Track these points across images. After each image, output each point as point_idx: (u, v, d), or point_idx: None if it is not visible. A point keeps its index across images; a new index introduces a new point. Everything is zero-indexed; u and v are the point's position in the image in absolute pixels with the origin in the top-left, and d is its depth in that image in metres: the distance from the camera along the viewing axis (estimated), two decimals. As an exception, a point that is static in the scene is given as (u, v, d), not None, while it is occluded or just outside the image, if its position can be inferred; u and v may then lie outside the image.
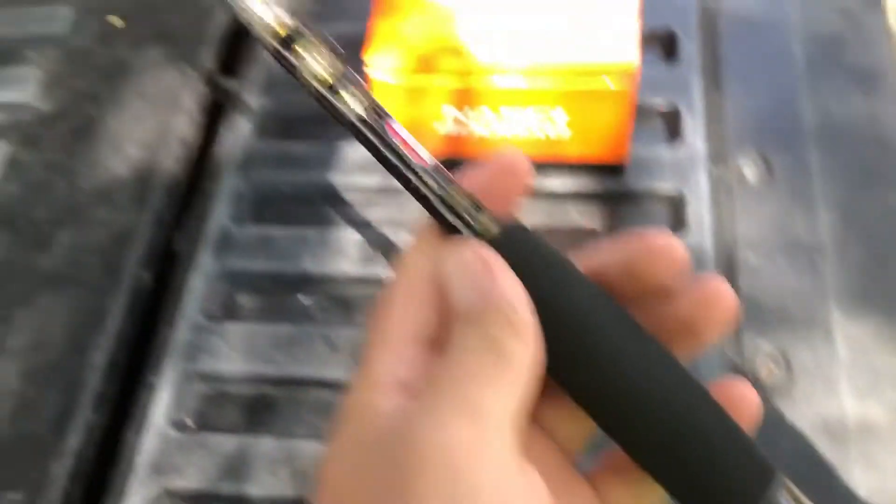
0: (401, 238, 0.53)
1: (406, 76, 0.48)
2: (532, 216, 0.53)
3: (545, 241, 0.26)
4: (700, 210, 0.52)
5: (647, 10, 0.54)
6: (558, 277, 0.25)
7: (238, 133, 0.60)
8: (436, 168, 0.26)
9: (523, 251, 0.25)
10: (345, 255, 0.53)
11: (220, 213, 0.56)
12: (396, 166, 0.26)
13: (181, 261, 0.56)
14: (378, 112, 0.26)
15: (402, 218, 0.55)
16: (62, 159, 0.61)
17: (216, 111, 0.64)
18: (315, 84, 0.26)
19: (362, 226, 0.55)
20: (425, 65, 0.48)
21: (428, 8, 0.49)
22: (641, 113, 0.56)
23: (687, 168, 0.53)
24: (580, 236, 0.52)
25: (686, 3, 0.61)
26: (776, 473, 0.25)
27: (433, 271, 0.25)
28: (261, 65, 0.64)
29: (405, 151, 0.26)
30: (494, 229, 0.25)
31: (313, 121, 0.60)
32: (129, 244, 0.56)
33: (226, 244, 0.55)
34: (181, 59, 0.65)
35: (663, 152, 0.54)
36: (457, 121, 0.50)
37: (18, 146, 0.62)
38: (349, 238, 0.54)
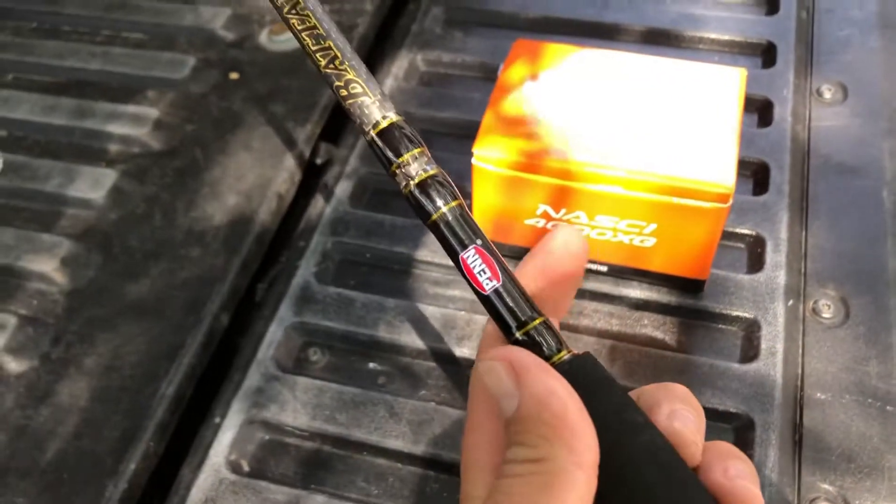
0: (474, 319, 0.55)
1: (507, 170, 0.50)
2: (606, 321, 0.54)
3: (611, 376, 0.26)
4: (773, 340, 0.52)
5: (743, 138, 0.56)
6: (621, 416, 0.24)
7: (332, 196, 0.63)
8: (508, 288, 0.27)
9: (590, 382, 0.25)
10: (418, 327, 0.55)
11: (304, 270, 0.58)
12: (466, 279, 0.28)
13: (261, 309, 0.57)
14: (462, 223, 0.28)
15: (476, 301, 0.56)
16: (164, 195, 0.65)
17: (314, 172, 0.67)
18: (407, 182, 0.29)
19: (439, 302, 0.56)
20: (528, 162, 0.50)
21: (538, 108, 0.52)
22: (727, 236, 0.57)
23: (765, 297, 0.54)
24: (652, 346, 0.53)
25: (780, 138, 0.63)
26: None
27: (497, 390, 0.25)
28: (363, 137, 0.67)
29: (479, 273, 0.28)
30: (565, 356, 0.26)
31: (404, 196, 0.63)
32: (214, 285, 0.58)
33: (306, 300, 0.56)
34: (289, 118, 0.69)
35: (743, 278, 0.55)
36: (549, 217, 0.52)
37: (125, 177, 0.66)
38: (424, 312, 0.55)
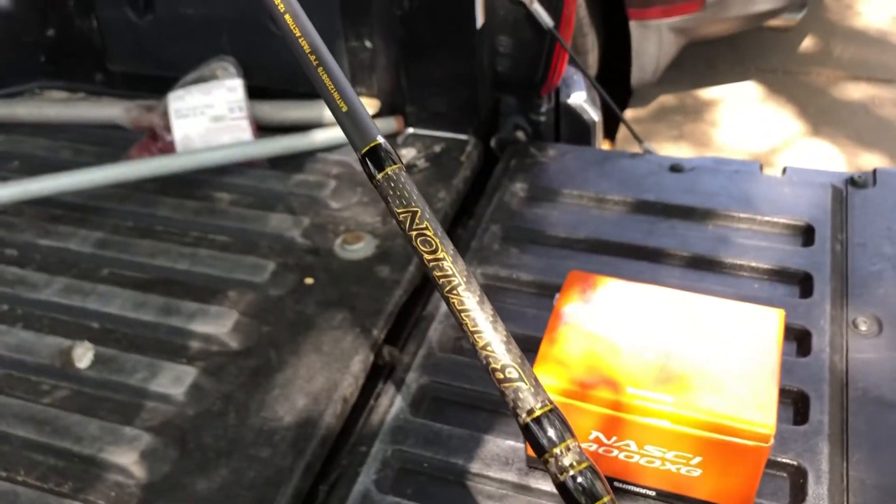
0: (526, 538, 0.57)
1: (562, 397, 0.54)
2: (654, 545, 0.56)
3: None
4: (818, 576, 0.54)
5: (783, 368, 0.60)
6: None
7: (393, 403, 0.67)
8: None
9: None
10: (472, 542, 0.57)
11: (365, 477, 0.62)
12: None
13: (323, 513, 0.61)
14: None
15: (528, 516, 0.59)
16: (238, 394, 0.70)
17: (377, 378, 0.72)
18: (562, 473, 0.33)
19: (492, 517, 0.59)
20: (581, 391, 0.54)
21: (590, 338, 0.57)
22: (769, 465, 0.60)
23: (808, 530, 0.56)
24: (698, 576, 0.55)
25: (819, 368, 0.66)
26: None
27: None
28: (425, 345, 0.72)
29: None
30: None
31: (463, 407, 0.67)
32: (279, 487, 0.62)
33: (366, 507, 0.59)
34: (357, 324, 0.75)
35: (786, 509, 0.57)
36: (601, 443, 0.56)
37: (203, 374, 0.71)
38: (478, 527, 0.58)
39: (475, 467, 0.62)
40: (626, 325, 0.58)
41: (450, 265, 0.41)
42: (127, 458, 0.64)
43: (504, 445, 0.63)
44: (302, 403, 0.68)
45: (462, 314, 0.39)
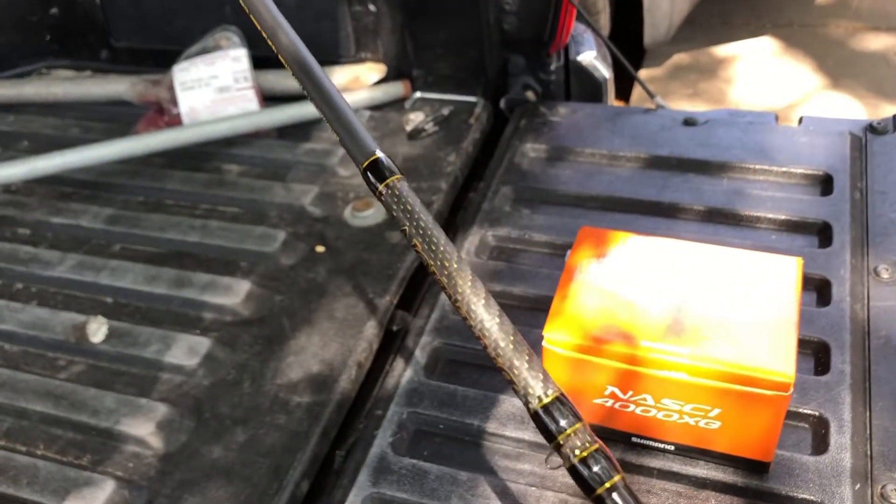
0: (545, 496, 0.56)
1: (576, 353, 0.54)
2: (673, 499, 0.56)
3: None
4: (842, 525, 0.53)
5: (801, 317, 0.59)
6: None
7: (408, 366, 0.67)
8: None
9: None
10: (490, 502, 0.57)
11: (381, 440, 0.61)
12: None
13: (340, 478, 0.60)
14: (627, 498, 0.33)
15: (545, 474, 0.58)
16: (252, 362, 0.69)
17: (389, 338, 0.72)
18: (572, 456, 0.34)
19: (509, 476, 0.58)
20: (595, 347, 0.53)
21: (603, 293, 0.56)
22: (789, 416, 0.59)
23: (830, 480, 0.55)
24: (719, 528, 0.54)
25: (839, 317, 0.65)
26: None
27: None
28: (438, 309, 0.71)
29: None
30: None
31: (477, 368, 0.67)
32: (296, 453, 0.62)
33: (382, 470, 0.59)
34: (369, 289, 0.74)
35: (808, 459, 0.56)
36: (616, 398, 0.55)
37: (217, 344, 0.71)
38: (496, 487, 0.57)
39: (491, 427, 0.61)
40: (639, 279, 0.57)
41: (454, 272, 0.44)
42: (143, 430, 0.64)
43: (518, 405, 0.62)
44: (317, 370, 0.68)
45: (470, 321, 0.43)
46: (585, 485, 0.34)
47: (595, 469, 0.35)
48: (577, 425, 0.35)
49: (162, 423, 0.65)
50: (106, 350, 0.72)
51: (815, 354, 0.64)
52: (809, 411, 0.59)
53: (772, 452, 0.55)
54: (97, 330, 0.73)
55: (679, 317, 0.54)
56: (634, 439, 0.57)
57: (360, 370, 0.68)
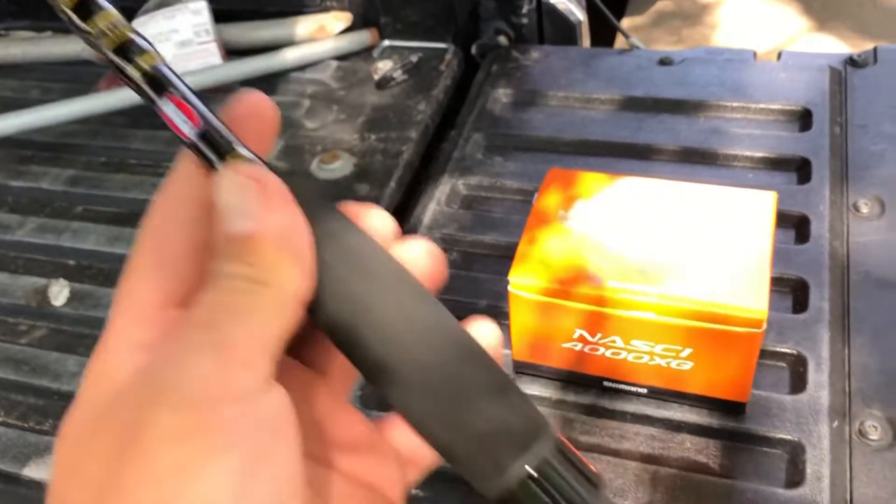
0: (516, 444, 0.55)
1: (543, 297, 0.52)
2: (648, 444, 0.54)
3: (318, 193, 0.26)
4: (819, 464, 0.52)
5: (778, 255, 0.57)
6: (334, 222, 0.25)
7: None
8: (209, 133, 0.25)
9: (302, 195, 0.25)
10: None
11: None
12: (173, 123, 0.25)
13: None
14: (157, 80, 0.25)
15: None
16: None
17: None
18: (106, 49, 0.25)
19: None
20: (562, 289, 0.51)
21: (571, 235, 0.54)
22: (766, 356, 0.57)
23: (808, 418, 0.54)
24: (694, 471, 0.53)
25: (818, 254, 0.63)
26: (548, 427, 0.24)
27: (196, 199, 0.24)
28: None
29: (180, 121, 0.25)
30: None
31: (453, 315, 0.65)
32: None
33: (350, 424, 0.58)
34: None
35: (785, 399, 0.55)
36: (585, 341, 0.53)
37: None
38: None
39: (461, 377, 0.59)
40: (608, 219, 0.55)
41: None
42: (107, 392, 0.63)
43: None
44: (283, 326, 0.66)
45: None
46: (123, 73, 0.26)
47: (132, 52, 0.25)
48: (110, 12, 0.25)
49: (125, 385, 0.63)
50: (68, 313, 0.70)
51: (793, 292, 0.62)
52: (787, 350, 0.58)
53: (747, 392, 0.53)
54: (59, 293, 0.71)
55: (648, 256, 0.52)
56: (606, 383, 0.56)
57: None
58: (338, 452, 0.27)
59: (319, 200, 0.25)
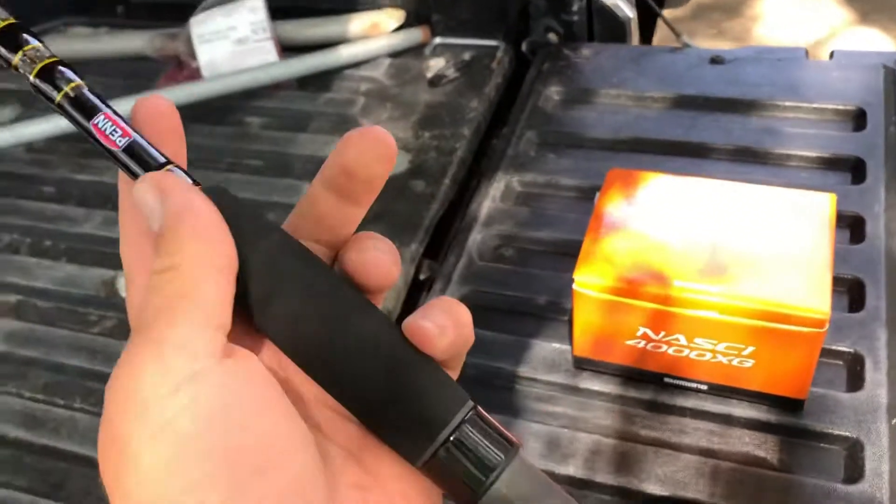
0: (577, 437, 0.57)
1: (607, 295, 0.53)
2: (707, 439, 0.56)
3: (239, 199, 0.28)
4: (878, 461, 0.53)
5: (836, 255, 0.58)
6: (253, 224, 0.26)
7: (437, 314, 0.67)
8: (133, 146, 0.27)
9: (223, 202, 0.26)
10: (523, 444, 0.57)
11: (413, 386, 0.62)
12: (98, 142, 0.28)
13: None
14: (84, 104, 0.28)
15: (578, 415, 0.58)
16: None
17: (419, 291, 0.72)
18: (29, 75, 0.28)
19: (542, 419, 0.59)
20: (626, 288, 0.53)
21: (634, 235, 0.55)
22: (823, 354, 0.58)
23: (867, 416, 0.55)
24: (753, 466, 0.54)
25: (874, 254, 0.64)
26: (467, 398, 0.26)
27: (145, 208, 0.26)
28: (465, 256, 0.71)
29: (102, 139, 0.27)
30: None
31: (507, 314, 0.66)
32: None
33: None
34: (396, 238, 0.73)
35: (843, 396, 0.56)
36: (649, 339, 0.54)
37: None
38: (529, 429, 0.58)
39: (522, 371, 0.61)
40: (670, 220, 0.56)
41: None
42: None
43: (549, 348, 0.62)
44: (346, 319, 0.68)
45: None
46: (46, 96, 0.28)
47: (56, 78, 0.28)
48: (37, 44, 0.28)
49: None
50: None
51: (849, 292, 0.63)
52: (844, 349, 0.58)
53: (806, 390, 0.55)
54: (127, 285, 0.74)
55: (711, 256, 0.53)
56: (667, 380, 0.57)
57: (389, 318, 0.68)
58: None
59: (248, 209, 0.27)
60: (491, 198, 0.76)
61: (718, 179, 0.60)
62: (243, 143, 0.87)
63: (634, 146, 0.78)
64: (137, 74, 0.98)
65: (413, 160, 0.82)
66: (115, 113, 0.28)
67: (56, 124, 0.89)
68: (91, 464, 0.61)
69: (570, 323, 0.60)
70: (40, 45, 0.29)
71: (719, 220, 0.56)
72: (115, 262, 0.77)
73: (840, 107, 0.77)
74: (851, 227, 0.67)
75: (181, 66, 0.95)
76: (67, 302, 0.74)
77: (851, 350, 0.58)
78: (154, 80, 0.96)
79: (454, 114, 0.86)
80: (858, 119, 0.76)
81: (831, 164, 0.73)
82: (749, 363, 0.54)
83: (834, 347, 0.59)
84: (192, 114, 0.91)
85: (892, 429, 0.54)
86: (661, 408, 0.57)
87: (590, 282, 0.54)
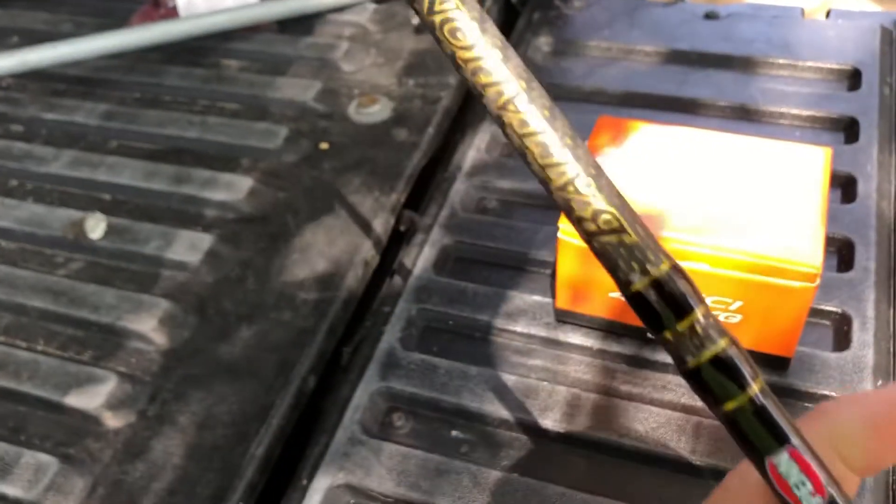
0: (556, 390, 0.55)
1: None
2: (690, 395, 0.54)
3: None
4: (863, 421, 0.51)
5: (828, 214, 0.56)
6: None
7: (416, 264, 0.65)
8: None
9: None
10: (501, 396, 0.55)
11: (389, 335, 0.60)
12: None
13: (347, 373, 0.59)
14: (773, 412, 0.23)
15: (557, 369, 0.57)
16: (256, 259, 0.67)
17: (398, 239, 0.70)
18: (698, 353, 0.23)
19: (520, 371, 0.57)
20: (615, 236, 0.51)
21: (620, 183, 0.53)
22: (812, 313, 0.57)
23: (853, 376, 0.54)
24: (736, 424, 0.53)
25: (865, 214, 0.62)
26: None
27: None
28: (447, 206, 0.69)
29: (795, 486, 0.22)
30: None
31: (487, 265, 0.65)
32: (302, 348, 0.60)
33: (390, 365, 0.58)
34: (376, 187, 0.72)
35: (829, 356, 0.55)
36: (633, 291, 0.53)
37: (220, 241, 0.69)
38: (507, 381, 0.56)
39: (501, 323, 0.59)
40: (660, 169, 0.54)
41: (498, 65, 0.22)
42: (146, 326, 0.63)
43: (530, 300, 0.60)
44: (322, 268, 0.66)
45: (525, 139, 0.22)
46: (709, 395, 0.23)
47: (734, 370, 0.23)
48: (701, 309, 0.23)
49: (164, 320, 0.63)
50: (105, 246, 0.70)
51: (838, 252, 0.61)
52: (832, 308, 0.57)
53: (793, 348, 0.53)
54: (95, 226, 0.71)
55: (701, 207, 0.52)
56: (650, 334, 0.56)
57: (366, 268, 0.66)
58: None
59: None
60: (476, 148, 0.73)
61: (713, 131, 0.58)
62: (220, 86, 0.84)
63: (624, 100, 0.76)
64: (111, 13, 0.95)
65: (396, 108, 0.79)
66: (806, 446, 0.22)
67: (24, 59, 0.85)
68: (51, 407, 0.59)
69: (553, 276, 0.58)
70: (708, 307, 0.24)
71: (711, 171, 0.54)
72: (83, 203, 0.74)
73: (835, 66, 0.75)
74: (843, 186, 0.66)
75: (157, 5, 0.91)
76: (32, 243, 0.72)
77: (839, 310, 0.57)
78: (128, 18, 0.92)
79: (440, 62, 0.83)
80: (853, 79, 0.74)
81: (824, 123, 0.71)
82: (736, 319, 0.52)
83: (822, 307, 0.57)
84: (167, 55, 0.88)
85: (877, 389, 0.53)
86: (644, 363, 0.56)
87: (571, 229, 0.52)
